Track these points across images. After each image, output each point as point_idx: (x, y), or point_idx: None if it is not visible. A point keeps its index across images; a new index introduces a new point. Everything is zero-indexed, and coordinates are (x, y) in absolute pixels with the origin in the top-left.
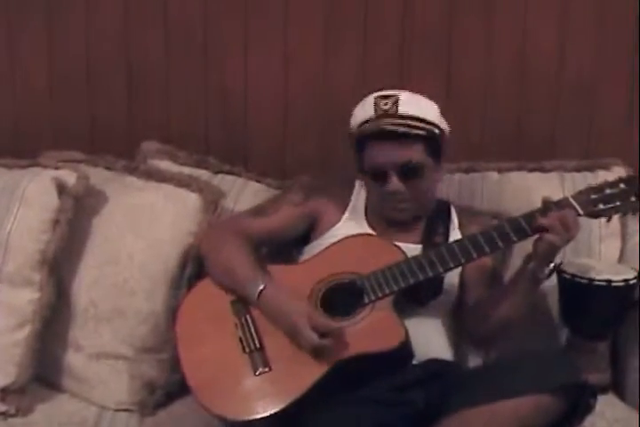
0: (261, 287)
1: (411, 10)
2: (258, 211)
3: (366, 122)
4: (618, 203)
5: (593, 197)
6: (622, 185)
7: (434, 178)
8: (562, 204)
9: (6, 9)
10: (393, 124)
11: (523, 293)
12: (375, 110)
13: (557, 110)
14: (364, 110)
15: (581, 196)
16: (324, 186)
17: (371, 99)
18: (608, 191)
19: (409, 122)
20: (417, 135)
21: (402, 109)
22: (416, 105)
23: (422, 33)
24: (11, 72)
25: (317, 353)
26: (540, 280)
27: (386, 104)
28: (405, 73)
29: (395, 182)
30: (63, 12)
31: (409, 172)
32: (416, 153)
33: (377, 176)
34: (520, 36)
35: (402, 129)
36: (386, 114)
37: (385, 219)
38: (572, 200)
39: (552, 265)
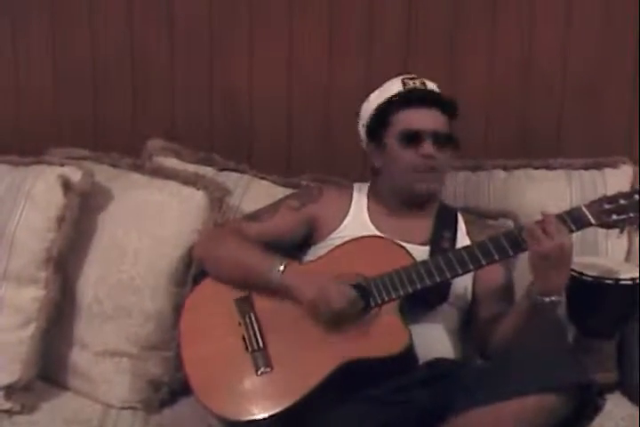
0: (282, 267)
1: (414, 9)
2: (253, 216)
3: (395, 96)
4: (631, 214)
5: (606, 207)
6: (637, 196)
7: (450, 162)
8: (574, 213)
9: (11, 7)
10: (430, 93)
11: (524, 314)
12: (404, 86)
13: (563, 108)
14: (389, 89)
15: (594, 205)
16: (320, 192)
17: (396, 80)
18: (622, 202)
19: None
20: (450, 106)
21: (430, 86)
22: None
23: (426, 31)
24: (16, 69)
25: (322, 352)
26: (538, 305)
27: (414, 83)
28: (410, 69)
29: (429, 145)
30: (68, 10)
31: (441, 138)
32: (445, 125)
33: (410, 141)
34: (525, 34)
35: (441, 97)
36: (415, 89)
37: (405, 198)
38: (584, 210)
39: (553, 298)
